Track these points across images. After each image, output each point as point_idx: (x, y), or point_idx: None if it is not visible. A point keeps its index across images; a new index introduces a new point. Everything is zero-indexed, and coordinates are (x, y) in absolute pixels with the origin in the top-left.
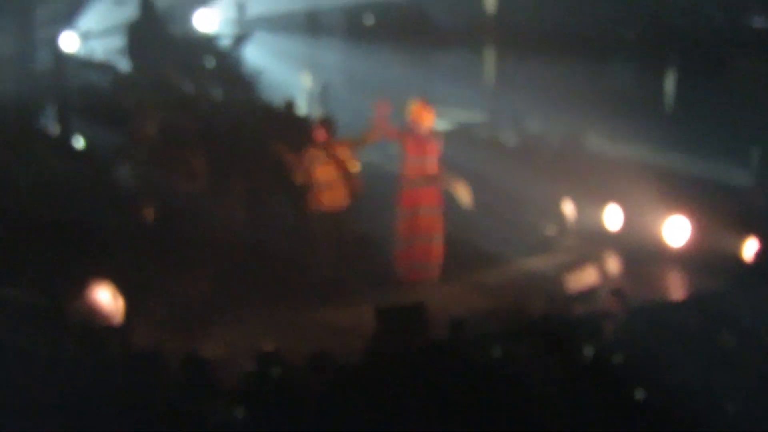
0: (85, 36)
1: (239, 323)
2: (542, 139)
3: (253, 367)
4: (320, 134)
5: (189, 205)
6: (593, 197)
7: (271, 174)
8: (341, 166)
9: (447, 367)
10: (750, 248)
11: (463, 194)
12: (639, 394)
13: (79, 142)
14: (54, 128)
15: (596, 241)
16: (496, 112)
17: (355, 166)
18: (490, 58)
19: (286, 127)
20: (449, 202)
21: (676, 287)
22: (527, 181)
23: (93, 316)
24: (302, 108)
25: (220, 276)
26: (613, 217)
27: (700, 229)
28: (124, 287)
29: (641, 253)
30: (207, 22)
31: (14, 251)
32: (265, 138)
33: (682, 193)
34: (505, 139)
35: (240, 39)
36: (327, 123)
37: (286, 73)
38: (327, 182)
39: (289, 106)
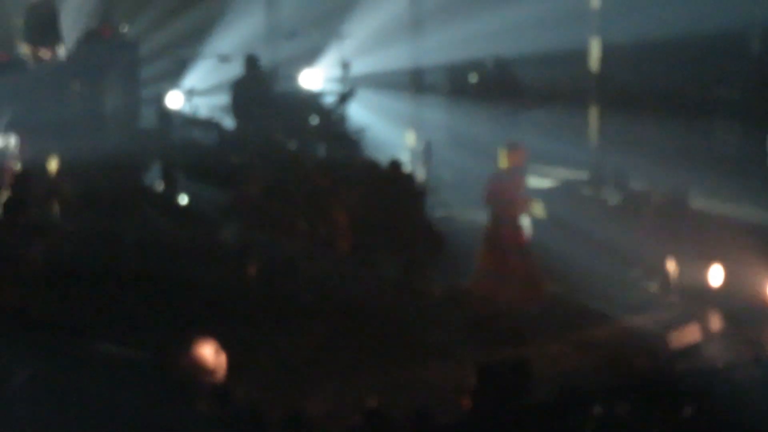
0: (190, 94)
1: (343, 380)
2: (645, 197)
3: (356, 423)
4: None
5: (293, 262)
6: (696, 254)
7: (376, 231)
8: None
9: (550, 426)
10: None
11: (538, 209)
12: None
13: (183, 200)
14: (159, 185)
15: (699, 299)
16: (599, 170)
17: None
18: (593, 116)
19: (393, 186)
20: (554, 257)
21: None
22: (630, 239)
23: (196, 372)
24: (407, 166)
25: (323, 333)
26: (715, 275)
27: None
28: (227, 344)
29: (744, 311)
30: (311, 80)
31: (119, 307)
32: (371, 196)
33: None
34: (608, 196)
35: (344, 97)
36: None
37: (389, 130)
38: None
39: (396, 165)
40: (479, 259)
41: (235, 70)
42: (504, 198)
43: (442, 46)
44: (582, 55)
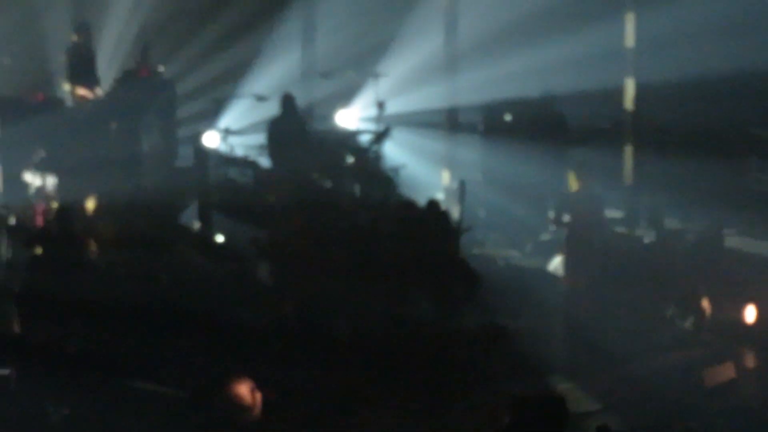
0: (227, 133)
1: (377, 418)
2: (679, 235)
3: None
4: None
5: (329, 301)
6: (730, 293)
7: (412, 270)
8: None
9: None
10: None
11: None
12: None
13: (219, 238)
14: (195, 224)
15: (733, 337)
16: (633, 208)
17: None
18: (628, 155)
19: (429, 225)
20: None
21: None
22: (664, 277)
23: (232, 411)
24: (442, 205)
25: (359, 371)
26: (749, 313)
27: None
28: (262, 382)
29: None
30: (347, 119)
31: (155, 345)
32: (406, 235)
33: None
34: (643, 234)
35: (380, 136)
36: None
37: (424, 170)
38: None
39: (431, 205)
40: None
41: (271, 109)
42: (578, 219)
43: (478, 85)
44: (617, 93)
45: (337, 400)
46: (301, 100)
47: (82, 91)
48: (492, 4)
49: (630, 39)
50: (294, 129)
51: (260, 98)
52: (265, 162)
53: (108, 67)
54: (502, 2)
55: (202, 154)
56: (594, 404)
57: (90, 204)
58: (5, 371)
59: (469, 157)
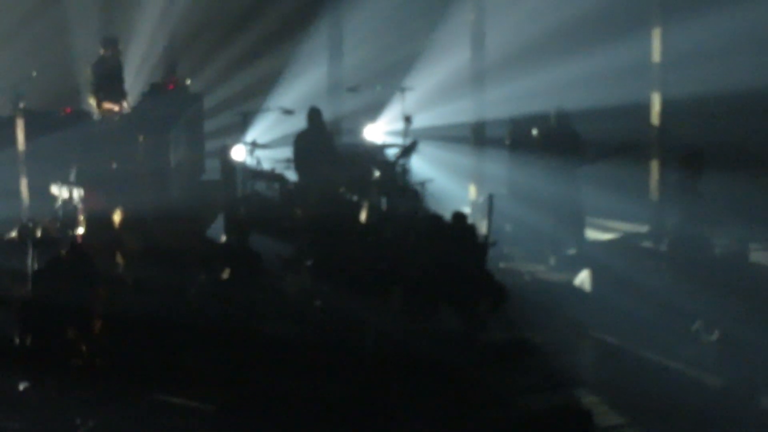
0: (254, 146)
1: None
2: (704, 250)
3: None
4: None
5: (356, 314)
6: (755, 307)
7: (438, 284)
8: None
9: None
10: None
11: None
12: None
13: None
14: (222, 237)
15: (758, 353)
16: (659, 224)
17: None
18: (654, 170)
19: (455, 238)
20: (614, 309)
21: None
22: (689, 291)
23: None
24: (469, 219)
25: (385, 384)
26: None
27: None
28: (289, 395)
29: None
30: (374, 133)
31: (182, 358)
32: (433, 249)
33: None
34: (667, 249)
35: (406, 150)
36: None
37: (451, 183)
38: None
39: (458, 218)
40: None
41: (298, 123)
42: None
43: (504, 100)
44: (643, 108)
45: (363, 413)
46: (328, 114)
47: (108, 105)
48: (519, 19)
49: (656, 54)
50: (321, 142)
51: (287, 112)
52: (291, 175)
53: (135, 80)
54: (529, 17)
55: (229, 167)
56: (618, 419)
57: (116, 217)
58: (31, 383)
59: (495, 171)
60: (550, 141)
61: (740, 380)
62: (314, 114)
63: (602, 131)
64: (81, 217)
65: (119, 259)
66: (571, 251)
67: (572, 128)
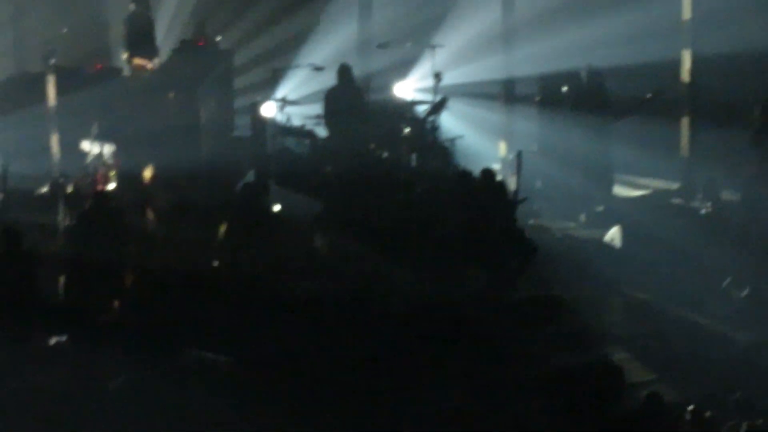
0: (284, 103)
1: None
2: (735, 207)
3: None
4: None
5: (384, 273)
6: None
7: (468, 241)
8: None
9: None
10: None
11: None
12: None
13: (276, 208)
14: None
15: None
16: (689, 180)
17: None
18: (684, 127)
19: (485, 195)
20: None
21: None
22: (720, 248)
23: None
24: (498, 176)
25: (413, 342)
26: None
27: None
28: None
29: None
30: (404, 90)
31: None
32: (462, 206)
33: None
34: (699, 206)
35: (436, 107)
36: None
37: (480, 140)
38: None
39: (487, 175)
40: None
41: (328, 79)
42: None
43: (534, 57)
44: (674, 65)
45: (391, 371)
46: (358, 71)
47: (139, 61)
48: None
49: (687, 11)
50: (351, 99)
51: (317, 68)
52: (322, 132)
53: (166, 36)
54: None
55: (260, 124)
56: (649, 374)
57: (147, 173)
58: (62, 338)
59: (525, 128)
60: (580, 98)
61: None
62: (344, 71)
63: (632, 89)
64: (111, 173)
65: (149, 215)
66: (601, 208)
67: (603, 85)
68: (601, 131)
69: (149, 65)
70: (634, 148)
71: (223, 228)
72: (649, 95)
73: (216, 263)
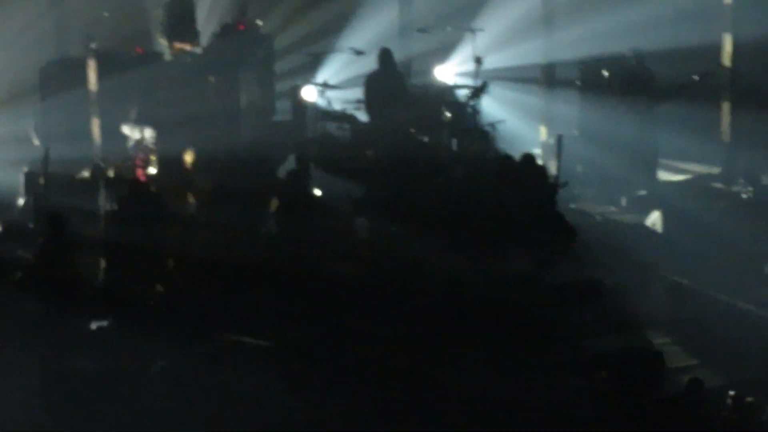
0: (324, 87)
1: (471, 372)
2: None
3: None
4: None
5: (426, 256)
6: None
7: (508, 225)
8: None
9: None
10: None
11: None
12: None
13: (316, 192)
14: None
15: None
16: (730, 165)
17: None
18: (725, 112)
19: (525, 180)
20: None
21: None
22: (761, 232)
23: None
24: (539, 160)
25: (453, 326)
26: None
27: None
28: (357, 335)
29: None
30: (445, 74)
31: (250, 299)
32: (503, 190)
33: None
34: (739, 190)
35: (477, 91)
36: None
37: (521, 125)
38: None
39: (528, 159)
40: None
41: (368, 63)
42: None
43: (575, 41)
44: (715, 50)
45: (432, 356)
46: (398, 55)
47: (180, 45)
48: None
49: None
50: (392, 84)
51: (358, 52)
52: (362, 116)
53: (206, 21)
54: None
55: (300, 108)
56: (690, 359)
57: (188, 157)
58: (104, 322)
59: (565, 112)
60: (625, 81)
61: None
62: (385, 55)
63: (672, 73)
64: (152, 158)
65: (190, 199)
66: (642, 192)
67: (648, 69)
68: (647, 114)
69: (189, 49)
70: (674, 132)
71: (270, 212)
72: (696, 77)
73: (257, 248)
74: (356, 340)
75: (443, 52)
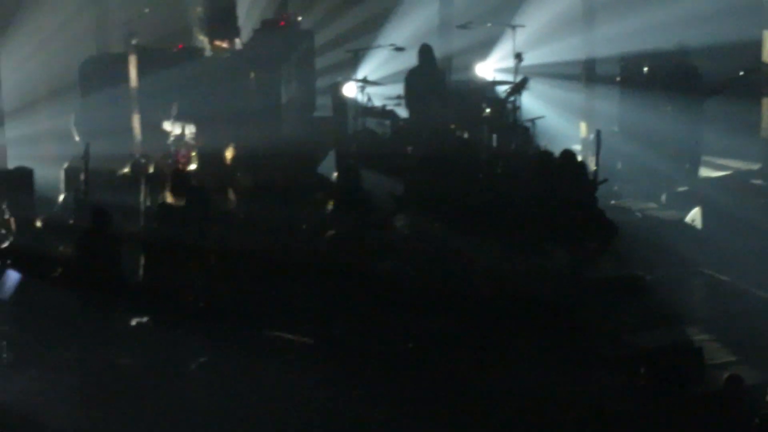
0: (365, 83)
1: (511, 369)
2: None
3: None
4: None
5: (466, 253)
6: None
7: (548, 221)
8: None
9: (719, 414)
10: None
11: None
12: None
13: (357, 188)
14: (333, 174)
15: None
16: None
17: None
18: (765, 108)
19: (565, 176)
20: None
21: None
22: None
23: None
24: (579, 156)
25: (493, 322)
26: None
27: None
28: (397, 332)
29: None
30: (485, 70)
31: (293, 295)
32: (543, 186)
33: None
34: None
35: (517, 87)
36: None
37: (561, 121)
38: None
39: (568, 155)
40: None
41: (409, 60)
42: None
43: (615, 37)
44: (755, 47)
45: (472, 351)
46: (439, 51)
47: (220, 41)
48: None
49: None
50: (432, 80)
51: (398, 49)
52: (402, 112)
53: (247, 16)
54: None
55: (341, 104)
56: (729, 356)
57: (229, 154)
58: (144, 318)
59: (606, 108)
60: (668, 77)
61: None
62: (425, 51)
63: (711, 69)
64: (193, 154)
65: (231, 195)
66: (682, 188)
67: (692, 64)
68: (691, 110)
69: (230, 45)
70: (714, 128)
71: (326, 210)
72: (741, 72)
73: (299, 244)
74: (399, 336)
75: (484, 48)
